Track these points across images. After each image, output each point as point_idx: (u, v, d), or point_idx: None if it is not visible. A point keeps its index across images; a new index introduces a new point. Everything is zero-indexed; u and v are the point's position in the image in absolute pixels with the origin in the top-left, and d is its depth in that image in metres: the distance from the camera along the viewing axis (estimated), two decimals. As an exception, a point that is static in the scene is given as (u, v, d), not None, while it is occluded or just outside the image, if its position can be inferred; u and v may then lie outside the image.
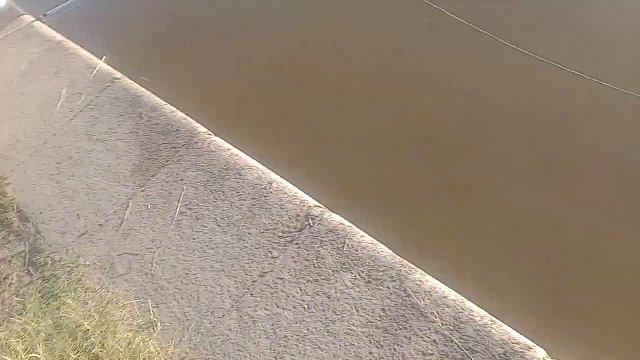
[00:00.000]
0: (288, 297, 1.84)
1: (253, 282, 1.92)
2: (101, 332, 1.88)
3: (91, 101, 2.91)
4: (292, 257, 1.93)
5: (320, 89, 2.69)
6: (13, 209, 2.57)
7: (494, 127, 2.31)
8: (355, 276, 1.80)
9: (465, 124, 2.35)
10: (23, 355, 1.82)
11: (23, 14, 3.83)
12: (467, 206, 2.08)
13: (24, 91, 3.18)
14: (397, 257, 1.80)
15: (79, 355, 1.82)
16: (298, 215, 2.03)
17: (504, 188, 2.10)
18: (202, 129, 2.53)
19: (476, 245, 1.97)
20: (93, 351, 1.83)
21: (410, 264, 1.77)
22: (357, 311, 1.72)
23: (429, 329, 1.59)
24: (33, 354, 1.82)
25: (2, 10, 3.69)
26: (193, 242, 2.12)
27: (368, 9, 2.98)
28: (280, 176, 2.21)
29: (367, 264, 1.81)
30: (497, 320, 1.57)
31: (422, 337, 1.59)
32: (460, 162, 2.23)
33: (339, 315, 1.74)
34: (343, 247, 1.88)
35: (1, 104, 3.16)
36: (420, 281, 1.70)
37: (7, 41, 3.62)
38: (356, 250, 1.85)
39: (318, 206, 2.04)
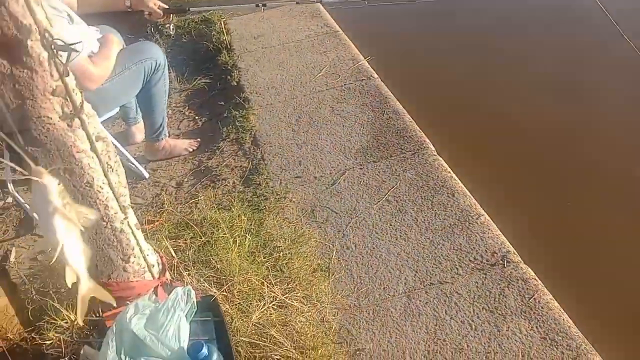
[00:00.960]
0: (459, 310, 1.92)
1: (431, 283, 2.03)
2: (289, 253, 2.11)
3: (344, 84, 3.28)
4: (476, 282, 2.00)
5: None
6: (250, 134, 2.97)
7: None
8: (532, 327, 1.82)
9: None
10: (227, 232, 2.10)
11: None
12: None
13: (293, 54, 3.67)
14: (581, 334, 1.80)
15: (267, 260, 2.06)
16: (494, 253, 2.11)
17: None
18: (432, 147, 2.73)
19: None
20: (278, 264, 2.06)
21: (592, 348, 1.76)
22: (523, 357, 1.74)
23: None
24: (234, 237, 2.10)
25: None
26: (389, 226, 2.30)
27: None
28: (489, 216, 2.31)
29: (548, 324, 1.83)
30: None
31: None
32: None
33: (502, 350, 1.77)
34: (529, 299, 1.91)
35: (272, 56, 3.67)
36: (600, 363, 1.68)
37: (294, 14, 4.21)
38: (541, 307, 1.88)
39: (516, 255, 2.10)
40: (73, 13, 2.22)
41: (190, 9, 2.76)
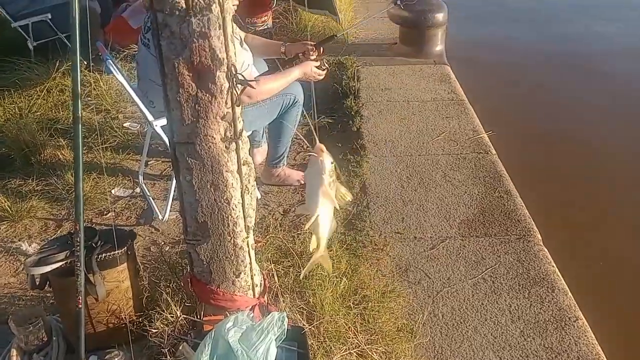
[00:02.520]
0: (539, 412, 1.86)
1: (513, 375, 1.98)
2: (378, 305, 2.16)
3: (461, 153, 3.31)
4: (562, 387, 1.93)
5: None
6: (360, 180, 3.08)
7: None
8: None
9: None
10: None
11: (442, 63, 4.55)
12: None
13: (415, 113, 3.77)
14: None
15: (355, 307, 2.12)
16: (587, 361, 2.03)
17: None
18: (539, 236, 2.68)
19: None
20: (365, 313, 2.11)
21: None
22: None
23: None
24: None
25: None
26: (481, 305, 2.28)
27: None
28: (587, 322, 2.23)
29: None
30: None
31: None
32: None
33: None
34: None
35: (395, 111, 3.80)
36: None
37: (424, 75, 4.33)
38: None
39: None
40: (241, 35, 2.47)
41: (337, 35, 2.95)
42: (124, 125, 3.63)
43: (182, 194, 1.57)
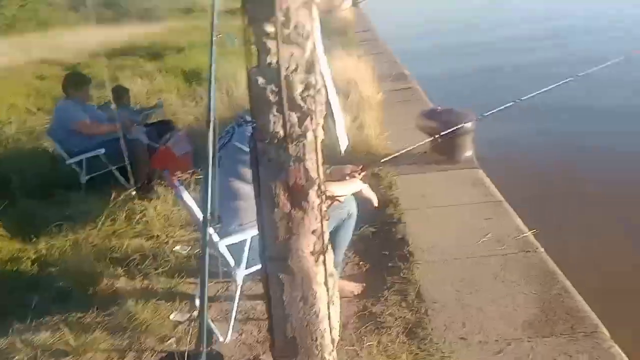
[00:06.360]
0: None
1: None
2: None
3: (508, 254, 3.34)
4: None
5: None
6: (414, 287, 3.09)
7: None
8: None
9: None
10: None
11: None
12: None
13: (457, 217, 3.86)
14: None
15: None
16: None
17: None
18: (606, 332, 2.63)
19: None
20: None
21: None
22: None
23: None
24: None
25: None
26: (564, 410, 2.19)
27: None
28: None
29: None
30: None
31: None
32: None
33: None
34: None
35: (435, 216, 3.89)
36: None
37: (457, 181, 4.48)
38: None
39: None
40: None
41: (382, 160, 3.12)
42: (174, 249, 3.74)
43: (272, 310, 1.62)
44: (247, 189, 2.58)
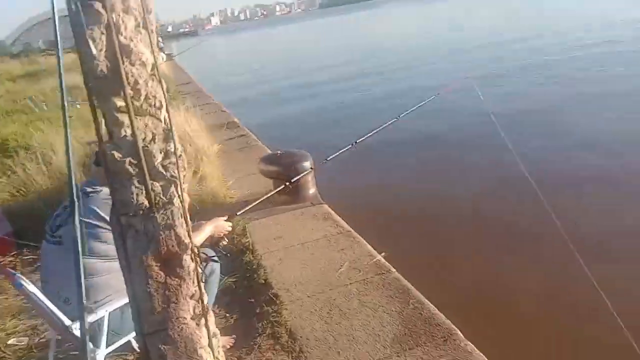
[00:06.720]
0: None
1: None
2: None
3: (366, 278, 3.57)
4: None
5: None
6: (285, 328, 3.14)
7: None
8: None
9: None
10: None
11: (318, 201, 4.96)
12: None
13: (314, 253, 4.01)
14: None
15: None
16: None
17: None
18: (460, 333, 2.94)
19: None
20: None
21: None
22: None
23: None
24: None
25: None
26: (440, 413, 2.39)
27: None
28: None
29: None
30: None
31: None
32: None
33: None
34: None
35: (293, 255, 4.01)
36: None
37: (307, 217, 4.67)
38: None
39: None
40: None
41: (237, 213, 3.14)
42: (9, 343, 3.33)
43: (156, 385, 1.55)
44: (98, 264, 2.43)
